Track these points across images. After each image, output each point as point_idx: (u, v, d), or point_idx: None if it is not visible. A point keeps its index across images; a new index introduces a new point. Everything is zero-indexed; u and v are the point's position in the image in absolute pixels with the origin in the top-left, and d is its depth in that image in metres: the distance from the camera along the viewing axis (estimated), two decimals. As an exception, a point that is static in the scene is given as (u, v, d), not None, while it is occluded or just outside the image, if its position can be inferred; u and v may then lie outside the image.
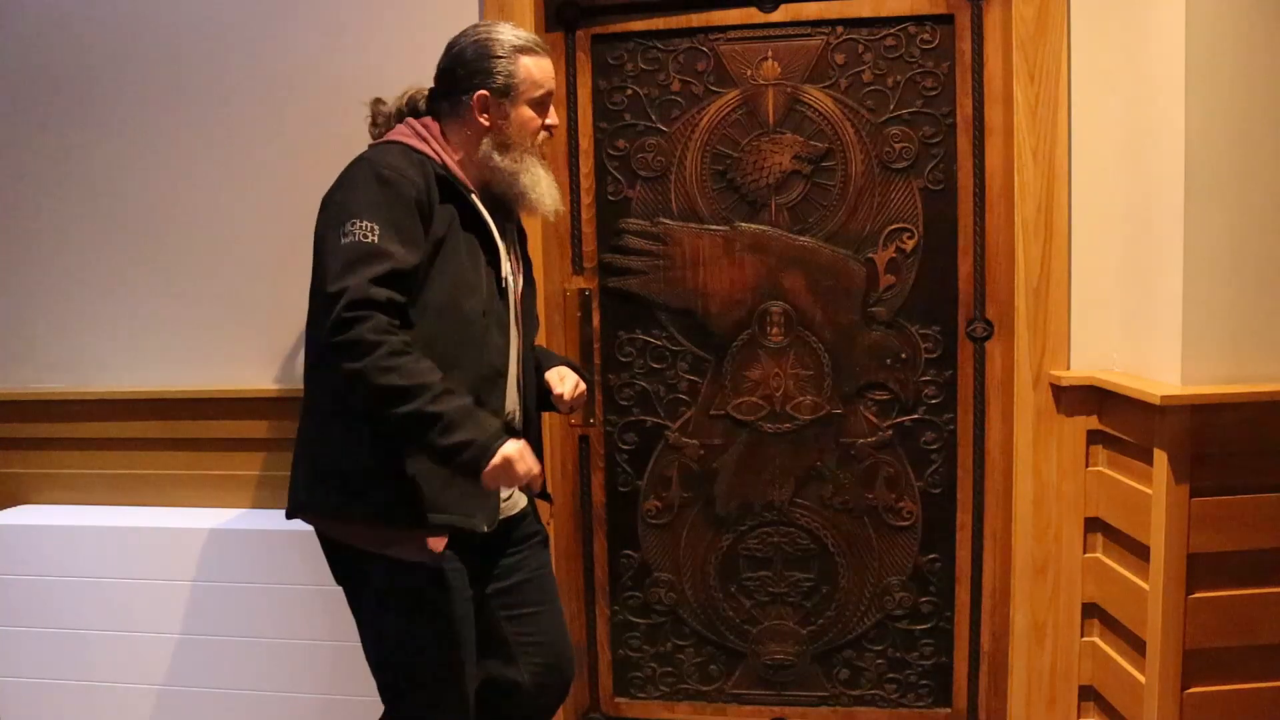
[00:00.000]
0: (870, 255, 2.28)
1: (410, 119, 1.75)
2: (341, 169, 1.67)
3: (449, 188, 1.66)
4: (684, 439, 2.39)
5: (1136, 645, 2.00)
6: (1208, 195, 1.86)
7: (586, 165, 2.35)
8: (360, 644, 1.75)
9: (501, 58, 1.70)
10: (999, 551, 2.28)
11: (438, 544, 1.63)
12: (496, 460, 1.49)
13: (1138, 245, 2.04)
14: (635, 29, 2.30)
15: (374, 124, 1.82)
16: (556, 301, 2.37)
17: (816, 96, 2.26)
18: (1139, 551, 1.98)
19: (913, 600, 2.36)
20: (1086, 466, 2.15)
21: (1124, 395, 1.99)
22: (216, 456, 2.40)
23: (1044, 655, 2.20)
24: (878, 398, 2.32)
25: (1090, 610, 2.18)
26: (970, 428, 2.29)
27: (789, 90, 2.27)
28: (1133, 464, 2.02)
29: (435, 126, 1.73)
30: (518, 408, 1.79)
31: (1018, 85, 2.10)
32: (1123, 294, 2.10)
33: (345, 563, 1.70)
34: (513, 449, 1.51)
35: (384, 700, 1.72)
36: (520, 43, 1.71)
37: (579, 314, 2.38)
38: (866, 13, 2.22)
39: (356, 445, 1.61)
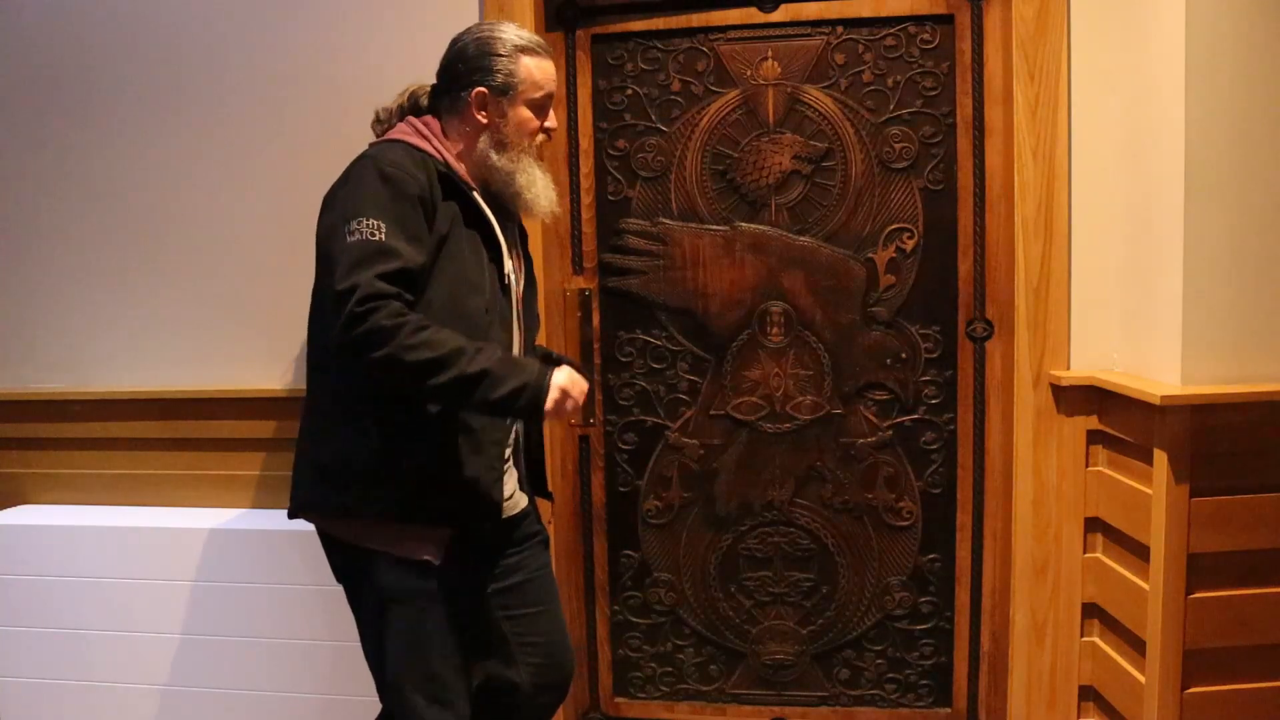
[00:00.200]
0: (870, 255, 2.28)
1: (411, 117, 1.76)
2: (342, 168, 1.67)
3: (451, 185, 1.66)
4: (684, 439, 2.39)
5: (1136, 645, 2.00)
6: (1208, 195, 1.86)
7: (586, 165, 2.35)
8: (360, 644, 1.75)
9: (503, 56, 1.70)
10: (999, 551, 2.28)
11: (442, 543, 1.63)
12: (554, 394, 1.54)
13: (1138, 245, 2.04)
14: (635, 29, 2.30)
15: (377, 120, 1.82)
16: (556, 301, 2.37)
17: (816, 96, 2.26)
18: (1139, 551, 1.98)
19: (913, 600, 2.36)
20: (1086, 466, 2.15)
21: (1124, 395, 1.99)
22: (216, 456, 2.40)
23: (1044, 655, 2.20)
24: (878, 398, 2.32)
25: (1090, 610, 2.18)
26: (970, 428, 2.29)
27: (789, 90, 2.27)
28: (1133, 464, 2.02)
29: (436, 124, 1.74)
30: None
31: (1018, 85, 2.10)
32: (1123, 294, 2.10)
33: (346, 561, 1.70)
34: (563, 378, 1.57)
35: (383, 700, 1.72)
36: (523, 43, 1.72)
37: (579, 314, 2.38)
38: (866, 13, 2.22)
39: (359, 444, 1.61)
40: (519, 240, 1.85)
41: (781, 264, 2.31)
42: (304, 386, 1.75)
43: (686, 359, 2.37)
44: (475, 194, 1.70)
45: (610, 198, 2.35)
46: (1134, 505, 1.99)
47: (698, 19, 2.28)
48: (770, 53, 2.27)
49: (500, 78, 1.70)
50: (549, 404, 1.54)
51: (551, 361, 1.90)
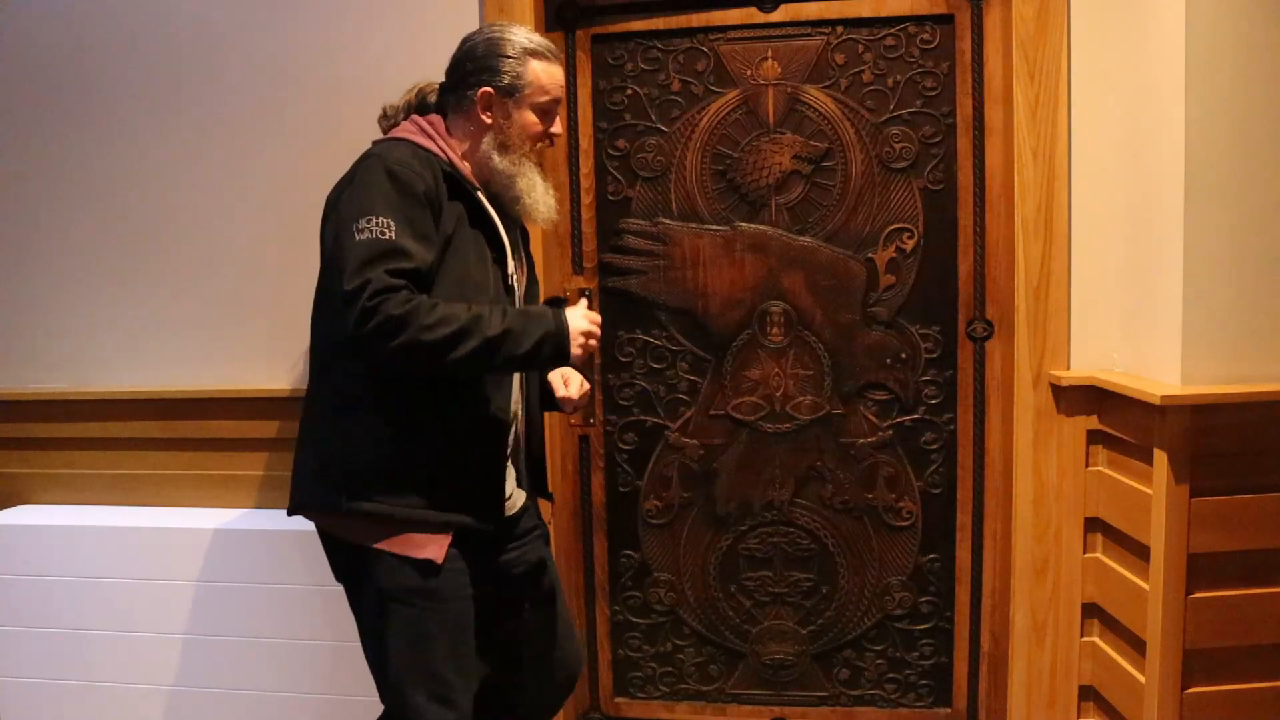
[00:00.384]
0: (870, 255, 2.28)
1: (415, 115, 1.75)
2: (342, 168, 1.67)
3: (456, 185, 1.66)
4: (684, 439, 2.39)
5: (1136, 645, 2.00)
6: (1208, 195, 1.86)
7: (586, 165, 2.35)
8: (359, 644, 1.75)
9: (511, 57, 1.69)
10: (999, 551, 2.28)
11: (443, 542, 1.63)
12: (576, 342, 1.60)
13: (1138, 245, 2.04)
14: (635, 29, 2.30)
15: (384, 116, 1.82)
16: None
17: (816, 96, 2.26)
18: (1139, 551, 1.98)
19: (913, 600, 2.36)
20: (1086, 466, 2.15)
21: (1124, 395, 1.99)
22: (216, 456, 2.40)
23: (1044, 655, 2.20)
24: (878, 398, 2.32)
25: (1090, 610, 2.18)
26: (970, 428, 2.29)
27: (789, 90, 2.27)
28: (1133, 464, 2.02)
29: (440, 123, 1.73)
30: (520, 406, 1.79)
31: (1018, 85, 2.10)
32: (1123, 294, 2.10)
33: (347, 560, 1.70)
34: (578, 319, 1.61)
35: (384, 700, 1.72)
36: (533, 46, 1.71)
37: (579, 314, 2.37)
38: (866, 13, 2.22)
39: (363, 443, 1.61)
40: (521, 241, 1.85)
41: (781, 264, 2.31)
42: (304, 386, 1.75)
43: (686, 359, 2.37)
44: (479, 194, 1.70)
45: (610, 198, 2.35)
46: (1134, 505, 1.99)
47: (698, 19, 2.28)
48: (770, 53, 2.27)
49: (507, 79, 1.69)
50: (575, 351, 1.60)
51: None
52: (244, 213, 2.35)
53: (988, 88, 2.20)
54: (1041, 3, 2.08)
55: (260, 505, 2.39)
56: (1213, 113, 1.84)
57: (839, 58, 2.25)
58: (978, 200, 2.23)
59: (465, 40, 1.75)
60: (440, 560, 1.62)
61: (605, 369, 2.40)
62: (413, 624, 1.64)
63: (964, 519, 2.32)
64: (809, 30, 2.26)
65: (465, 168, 1.71)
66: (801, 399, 2.34)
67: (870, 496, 2.35)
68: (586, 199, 2.35)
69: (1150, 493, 1.92)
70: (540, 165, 1.77)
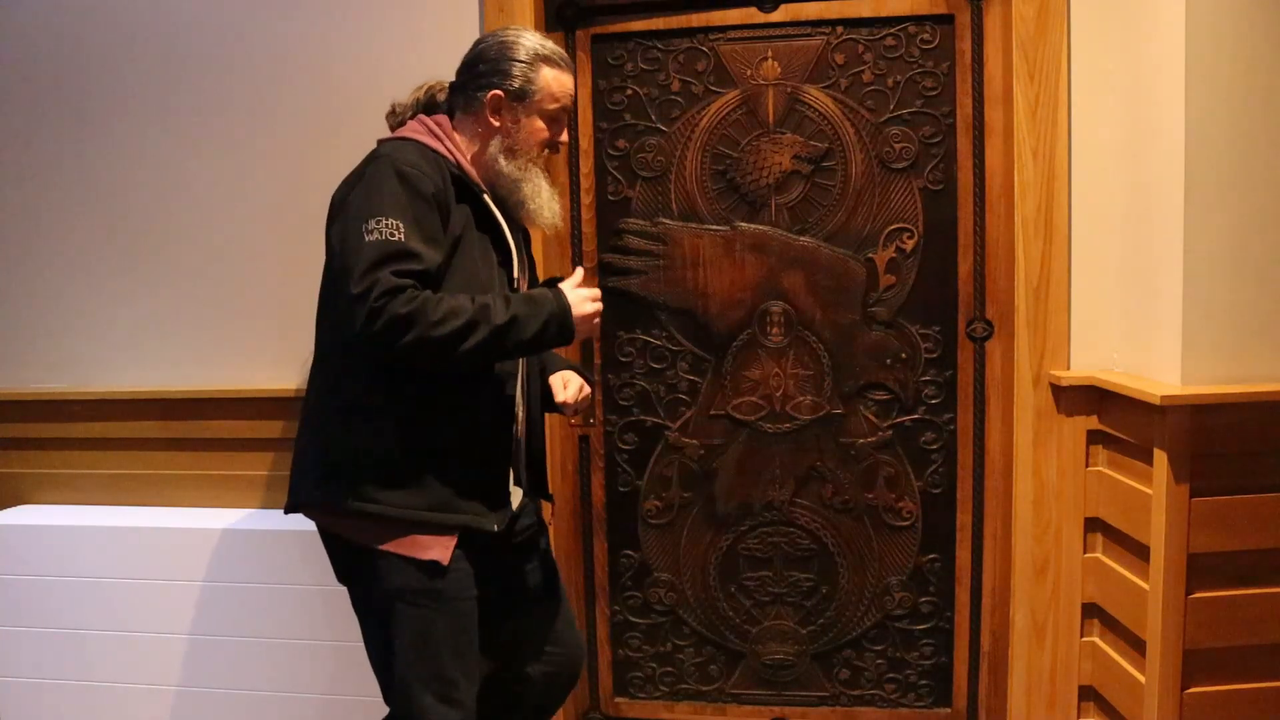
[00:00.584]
0: (870, 255, 2.28)
1: (422, 115, 1.75)
2: (342, 166, 1.67)
3: (464, 187, 1.66)
4: (684, 439, 2.39)
5: (1136, 645, 2.00)
6: (1208, 195, 1.86)
7: (586, 165, 2.35)
8: (361, 644, 1.74)
9: (523, 62, 1.69)
10: (999, 551, 2.28)
11: (448, 543, 1.63)
12: (577, 315, 1.62)
13: (1138, 245, 2.04)
14: (635, 29, 2.30)
15: (391, 113, 1.81)
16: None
17: (816, 96, 2.26)
18: (1139, 551, 1.98)
19: (913, 600, 2.36)
20: (1086, 466, 2.15)
21: (1124, 395, 1.99)
22: (216, 456, 2.40)
23: (1044, 655, 2.20)
24: (878, 398, 2.32)
25: (1090, 610, 2.18)
26: (970, 428, 2.29)
27: (789, 90, 2.27)
28: (1133, 464, 2.02)
29: (447, 124, 1.73)
30: (522, 407, 1.79)
31: (1018, 85, 2.10)
32: (1123, 294, 2.10)
33: (351, 561, 1.69)
34: (578, 296, 1.63)
35: (387, 701, 1.72)
36: (545, 52, 1.71)
37: (579, 314, 2.37)
38: (866, 13, 2.22)
39: (369, 443, 1.61)
40: (523, 243, 1.85)
41: (781, 264, 2.31)
42: (304, 386, 1.75)
43: (686, 359, 2.37)
44: (486, 197, 1.70)
45: (610, 198, 2.35)
46: (1134, 505, 1.99)
47: (698, 19, 2.28)
48: (770, 53, 2.27)
49: (518, 83, 1.69)
50: (577, 329, 1.63)
51: (556, 365, 1.91)
52: (244, 212, 2.35)
53: (988, 88, 2.20)
54: (1041, 3, 2.08)
55: (260, 505, 2.39)
56: (1213, 113, 1.84)
57: (839, 58, 2.25)
58: (978, 200, 2.23)
59: (478, 42, 1.75)
60: (446, 562, 1.62)
61: (605, 369, 2.40)
62: (418, 625, 1.63)
63: (964, 519, 2.32)
64: (809, 30, 2.26)
65: (472, 171, 1.70)
66: (801, 399, 2.34)
67: (870, 496, 2.35)
68: (586, 199, 2.35)
69: (1150, 493, 1.92)
70: (546, 170, 1.77)
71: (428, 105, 1.78)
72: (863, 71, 2.24)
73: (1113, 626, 2.12)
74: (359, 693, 2.20)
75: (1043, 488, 2.16)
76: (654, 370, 2.38)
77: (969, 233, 2.25)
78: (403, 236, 1.52)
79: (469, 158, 1.71)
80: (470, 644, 1.69)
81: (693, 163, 2.31)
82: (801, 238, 2.30)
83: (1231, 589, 1.90)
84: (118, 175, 2.39)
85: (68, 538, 2.31)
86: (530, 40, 1.71)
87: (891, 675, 2.39)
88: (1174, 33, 1.86)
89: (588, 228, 2.36)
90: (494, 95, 1.69)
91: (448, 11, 2.23)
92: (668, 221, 2.34)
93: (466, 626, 1.67)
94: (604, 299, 2.34)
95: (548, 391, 1.87)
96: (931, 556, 2.35)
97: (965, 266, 2.26)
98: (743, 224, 2.31)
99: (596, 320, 1.67)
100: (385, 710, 1.76)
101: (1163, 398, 1.84)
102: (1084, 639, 2.19)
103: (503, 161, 1.71)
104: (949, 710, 2.38)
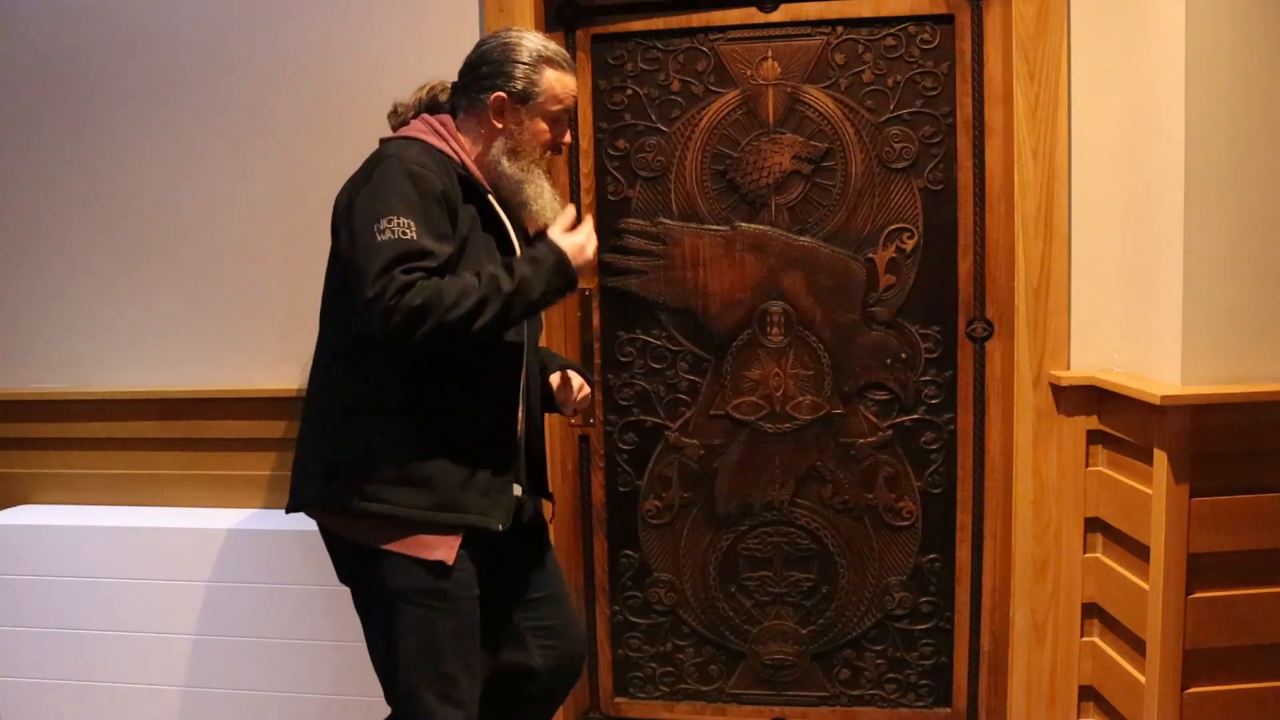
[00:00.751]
0: (870, 255, 2.28)
1: (426, 115, 1.74)
2: (341, 166, 1.67)
3: (469, 188, 1.66)
4: (684, 439, 2.39)
5: (1136, 645, 2.00)
6: (1207, 195, 1.86)
7: (586, 165, 2.35)
8: (362, 644, 1.74)
9: (526, 64, 1.69)
10: (999, 551, 2.28)
11: (453, 543, 1.63)
12: (577, 262, 1.63)
13: (1138, 245, 2.04)
14: (635, 29, 2.30)
15: (394, 113, 1.81)
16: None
17: (816, 96, 2.26)
18: (1139, 551, 1.98)
19: (913, 600, 2.36)
20: (1086, 466, 2.15)
21: (1124, 395, 1.99)
22: (216, 456, 2.40)
23: (1044, 655, 2.20)
24: (878, 398, 2.32)
25: (1090, 610, 2.18)
26: (970, 428, 2.29)
27: (789, 90, 2.27)
28: (1133, 464, 2.02)
29: (451, 124, 1.72)
30: (522, 407, 1.79)
31: (1018, 85, 2.10)
32: (1123, 294, 2.10)
33: (354, 561, 1.69)
34: (569, 243, 1.64)
35: (389, 701, 1.72)
36: (548, 54, 1.71)
37: (579, 314, 2.38)
38: (866, 13, 2.22)
39: (374, 442, 1.61)
40: (527, 243, 1.85)
41: (781, 264, 2.31)
42: (304, 385, 1.75)
43: (686, 359, 2.37)
44: (491, 198, 1.70)
45: (610, 198, 2.35)
46: (1134, 505, 1.99)
47: (698, 19, 2.28)
48: (770, 53, 2.27)
49: (521, 85, 1.69)
50: (578, 275, 1.65)
51: (556, 364, 1.91)
52: (244, 212, 2.35)
53: (988, 88, 2.20)
54: (1041, 3, 2.08)
55: (261, 505, 2.39)
56: (1213, 113, 1.84)
57: (839, 58, 2.25)
58: (978, 200, 2.23)
59: (480, 43, 1.75)
60: (452, 561, 1.62)
61: (605, 369, 2.40)
62: (423, 625, 1.63)
63: (964, 519, 2.32)
64: (809, 30, 2.26)
65: (477, 171, 1.70)
66: (801, 399, 2.34)
67: (870, 496, 2.35)
68: (586, 199, 2.35)
69: (1150, 493, 1.92)
70: (548, 172, 1.77)
71: (430, 105, 1.78)
72: (863, 71, 2.24)
73: (1113, 626, 2.12)
74: (360, 693, 2.20)
75: (1043, 488, 2.16)
76: (654, 370, 2.38)
77: (969, 233, 2.25)
78: (415, 235, 1.52)
79: (473, 158, 1.71)
80: (472, 643, 1.69)
81: (693, 163, 2.31)
82: (801, 238, 2.30)
83: (1231, 589, 1.90)
84: (118, 175, 2.39)
85: (68, 538, 2.31)
86: (533, 41, 1.71)
87: (891, 675, 2.39)
88: (1174, 33, 1.86)
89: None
90: (497, 97, 1.69)
91: (448, 11, 2.23)
92: (668, 221, 2.34)
93: (469, 626, 1.67)
94: (604, 299, 2.37)
95: (548, 391, 1.88)
96: (931, 556, 2.35)
97: (965, 266, 2.26)
98: (743, 224, 2.31)
99: (594, 259, 1.70)
100: (386, 710, 1.76)
101: (1163, 398, 1.84)
102: (1084, 639, 2.19)
103: (505, 163, 1.70)
104: (949, 710, 2.38)
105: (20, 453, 2.50)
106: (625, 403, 2.40)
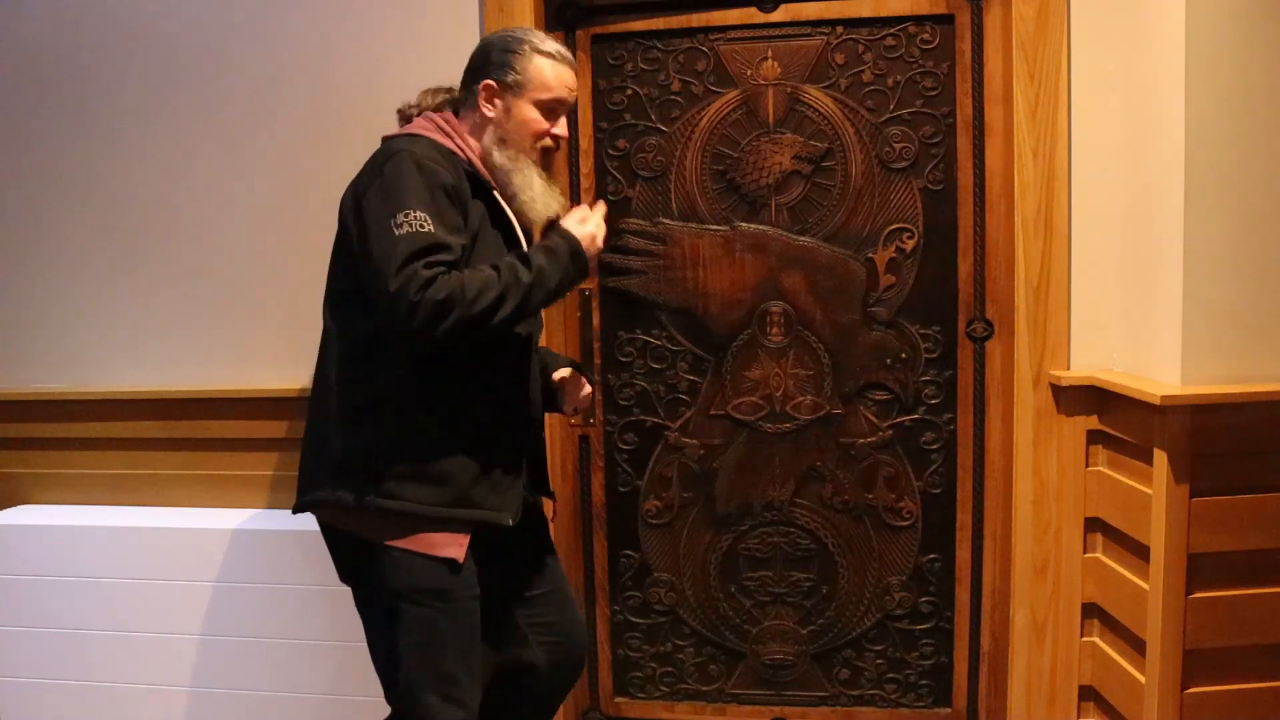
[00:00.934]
0: (870, 255, 2.28)
1: (429, 112, 1.74)
2: (341, 165, 1.67)
3: (477, 184, 1.66)
4: (684, 439, 2.39)
5: (1136, 645, 2.00)
6: (1208, 195, 1.86)
7: (586, 165, 2.35)
8: (362, 644, 1.74)
9: (517, 53, 1.70)
10: (999, 551, 2.28)
11: (463, 541, 1.63)
12: (589, 251, 1.67)
13: (1138, 245, 2.04)
14: (635, 29, 2.30)
15: (402, 116, 1.81)
16: (557, 302, 2.37)
17: (816, 96, 2.26)
18: (1139, 551, 1.98)
19: (913, 600, 2.36)
20: (1086, 466, 2.15)
21: (1124, 395, 1.99)
22: (216, 456, 2.40)
23: (1044, 655, 2.20)
24: (878, 398, 2.32)
25: (1090, 610, 2.18)
26: (970, 428, 2.29)
27: (789, 90, 2.27)
28: (1133, 464, 2.02)
29: (455, 121, 1.73)
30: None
31: (1018, 85, 2.10)
32: (1123, 294, 2.10)
33: (356, 559, 1.69)
34: (580, 231, 1.67)
35: (389, 700, 1.72)
36: (541, 45, 1.71)
37: (579, 314, 2.38)
38: (866, 13, 2.22)
39: (386, 439, 1.61)
40: (529, 241, 1.85)
41: (781, 264, 2.31)
42: (305, 385, 1.75)
43: (686, 359, 2.37)
44: (497, 194, 1.70)
45: (610, 198, 2.35)
46: (1134, 505, 1.99)
47: (698, 19, 2.28)
48: (770, 53, 2.27)
49: (511, 73, 1.69)
50: (592, 261, 1.69)
51: (558, 364, 1.91)
52: (244, 212, 2.35)
53: (988, 88, 2.20)
54: (1041, 3, 2.08)
55: (261, 505, 2.39)
56: (1212, 113, 1.84)
57: (839, 58, 2.25)
58: (978, 200, 2.23)
59: (484, 41, 1.76)
60: (461, 559, 1.62)
61: (605, 369, 2.40)
62: (426, 624, 1.63)
63: (964, 519, 2.32)
64: (809, 30, 2.26)
65: (483, 168, 1.70)
66: (801, 399, 2.34)
67: (870, 496, 2.35)
68: (586, 199, 2.35)
69: (1150, 493, 1.92)
70: (548, 168, 1.76)
71: (435, 108, 1.78)
72: (863, 71, 2.24)
73: (1113, 626, 2.12)
74: (360, 693, 2.20)
75: (1043, 488, 2.16)
76: (654, 370, 2.38)
77: (969, 233, 2.25)
78: (431, 228, 1.52)
79: (477, 155, 1.71)
80: (474, 642, 1.69)
81: (693, 163, 2.31)
82: (801, 238, 2.30)
83: (1231, 589, 1.90)
84: (118, 175, 2.39)
85: (68, 538, 2.31)
86: (530, 36, 1.72)
87: (891, 675, 2.39)
88: (1174, 33, 1.86)
89: (588, 228, 2.36)
90: (486, 84, 1.70)
91: (448, 11, 2.23)
92: (668, 221, 2.34)
93: (470, 625, 1.67)
94: (604, 299, 2.37)
95: (548, 390, 1.88)
96: (931, 556, 2.35)
97: (965, 266, 2.26)
98: (743, 224, 2.31)
99: (601, 244, 1.72)
100: (387, 710, 1.76)
101: (1163, 398, 1.84)
102: (1084, 639, 2.19)
103: (495, 152, 1.70)
104: (949, 710, 2.38)
105: (20, 453, 2.50)
106: (625, 403, 2.40)
